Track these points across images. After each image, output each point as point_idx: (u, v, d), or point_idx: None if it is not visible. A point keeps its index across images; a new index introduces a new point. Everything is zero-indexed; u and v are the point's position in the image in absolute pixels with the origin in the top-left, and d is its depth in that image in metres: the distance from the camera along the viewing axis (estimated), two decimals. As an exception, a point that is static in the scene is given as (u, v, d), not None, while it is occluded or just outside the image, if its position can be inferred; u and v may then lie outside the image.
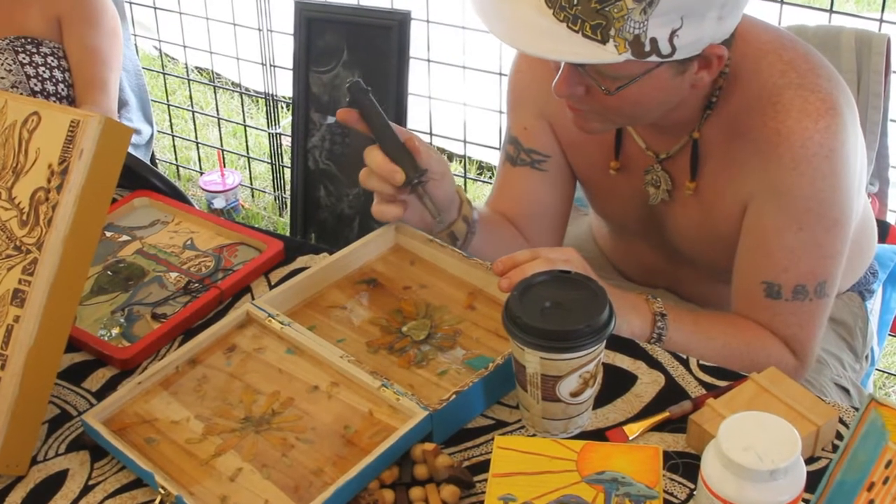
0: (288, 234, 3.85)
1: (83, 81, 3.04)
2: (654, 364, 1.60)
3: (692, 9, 1.50)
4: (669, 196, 1.85)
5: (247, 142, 4.37)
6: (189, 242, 1.92)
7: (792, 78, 1.67)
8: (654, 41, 1.51)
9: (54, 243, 1.42)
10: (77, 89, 3.05)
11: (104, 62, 3.07)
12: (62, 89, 3.01)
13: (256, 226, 2.70)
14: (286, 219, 4.13)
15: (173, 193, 2.08)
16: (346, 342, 1.62)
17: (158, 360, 1.67)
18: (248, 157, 4.36)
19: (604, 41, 1.51)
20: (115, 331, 1.72)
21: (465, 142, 3.68)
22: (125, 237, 1.94)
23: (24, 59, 2.98)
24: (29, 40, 3.00)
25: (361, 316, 1.67)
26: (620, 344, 1.62)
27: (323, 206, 3.64)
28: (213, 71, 4.49)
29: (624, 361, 1.61)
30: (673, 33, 1.51)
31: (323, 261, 1.75)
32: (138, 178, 2.07)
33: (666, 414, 1.50)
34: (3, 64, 2.96)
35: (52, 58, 3.01)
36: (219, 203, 4.13)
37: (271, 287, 1.80)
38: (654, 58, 1.53)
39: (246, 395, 1.54)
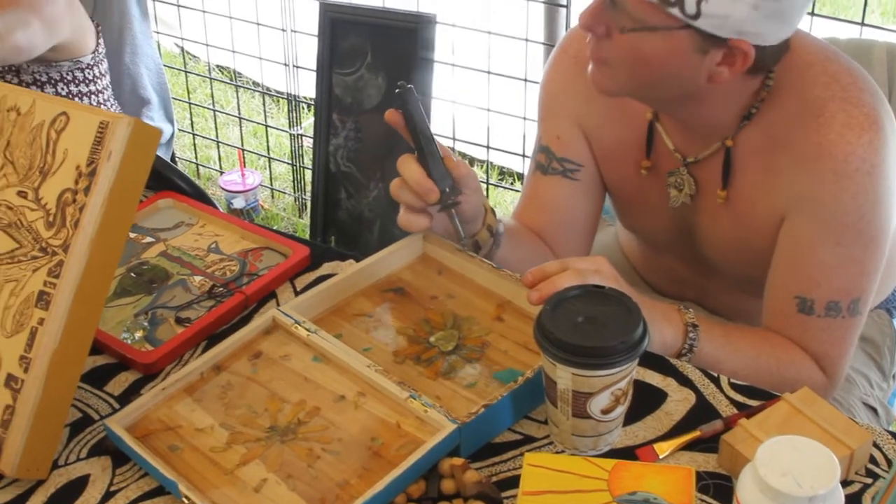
0: (307, 236, 3.83)
1: None
2: (685, 381, 1.58)
3: None
4: (692, 201, 1.83)
5: (268, 142, 4.35)
6: (214, 246, 1.90)
7: (835, 91, 1.65)
8: None
9: (81, 246, 1.41)
10: None
11: None
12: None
13: (276, 228, 2.68)
14: (306, 220, 4.11)
15: (197, 195, 2.06)
16: (373, 351, 1.60)
17: (182, 365, 1.65)
18: (269, 158, 4.34)
19: None
20: (139, 334, 1.70)
21: (487, 147, 3.66)
22: (149, 239, 1.93)
23: None
24: (7, 68, 2.87)
25: (388, 325, 1.66)
26: (650, 360, 1.60)
27: (343, 208, 3.62)
28: (234, 70, 4.48)
29: (654, 378, 1.59)
30: None
31: (350, 268, 1.73)
32: (162, 178, 2.05)
33: (697, 433, 1.48)
34: None
35: (34, 86, 2.89)
36: (238, 203, 4.11)
37: (297, 293, 1.78)
38: (676, 12, 1.53)
39: (271, 404, 1.52)
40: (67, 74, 2.96)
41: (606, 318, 1.40)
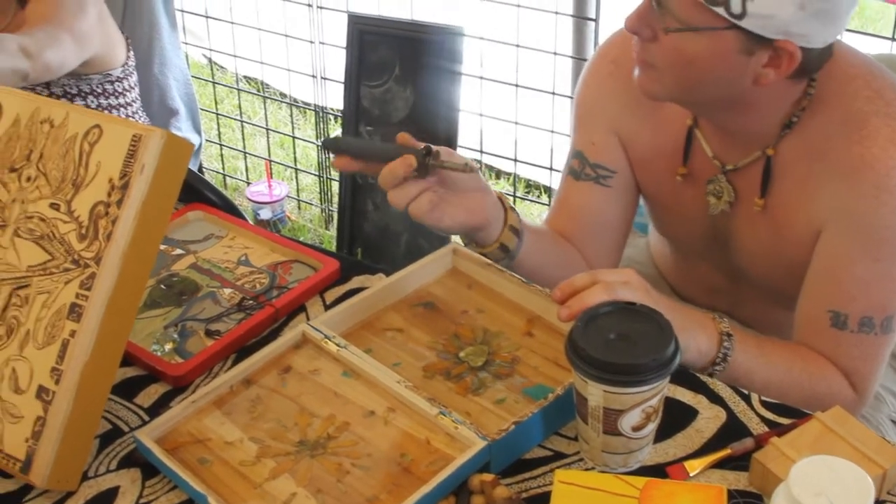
0: (334, 247, 3.83)
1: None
2: (716, 399, 1.57)
3: None
4: (730, 209, 1.82)
5: (294, 153, 4.36)
6: (243, 258, 1.90)
7: (879, 106, 1.65)
8: None
9: (113, 258, 1.41)
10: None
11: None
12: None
13: (302, 239, 2.68)
14: (332, 232, 4.11)
15: (227, 207, 2.07)
16: (402, 366, 1.60)
17: (211, 377, 1.66)
18: (296, 169, 4.35)
19: None
20: (168, 346, 1.71)
21: (515, 160, 3.66)
22: (179, 250, 1.93)
23: None
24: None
25: (418, 340, 1.65)
26: (681, 377, 1.60)
27: (370, 220, 3.62)
28: (262, 81, 4.48)
29: (685, 395, 1.58)
30: None
31: (379, 282, 1.73)
32: (192, 190, 2.06)
33: (727, 451, 1.47)
34: None
35: (64, 98, 2.91)
36: (265, 214, 4.12)
37: (326, 307, 1.78)
38: (722, 11, 1.52)
39: (301, 418, 1.52)
40: (97, 87, 2.97)
41: (638, 335, 1.40)
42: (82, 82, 2.91)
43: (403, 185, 1.64)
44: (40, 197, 1.48)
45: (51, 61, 2.73)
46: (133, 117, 3.11)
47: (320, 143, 1.69)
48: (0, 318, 1.48)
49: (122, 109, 3.06)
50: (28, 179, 1.50)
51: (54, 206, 1.47)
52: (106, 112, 2.97)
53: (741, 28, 1.54)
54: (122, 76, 3.03)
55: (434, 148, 1.65)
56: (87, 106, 2.93)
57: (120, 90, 3.03)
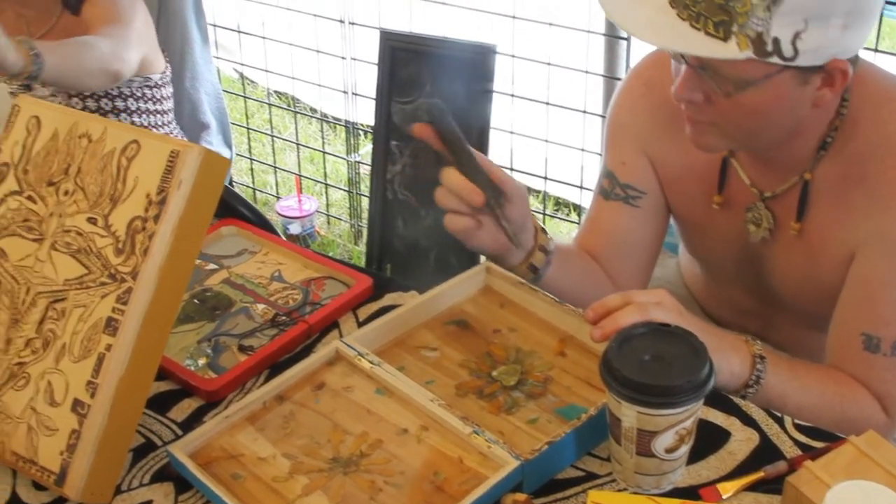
0: (363, 263, 3.84)
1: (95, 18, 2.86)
2: (749, 421, 1.57)
3: (817, 12, 1.48)
4: (770, 235, 1.82)
5: (325, 168, 4.37)
6: (276, 274, 1.91)
7: None
8: (776, 41, 1.49)
9: (150, 273, 1.42)
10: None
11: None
12: (105, 104, 2.96)
13: (331, 254, 2.68)
14: (361, 247, 4.12)
15: (260, 223, 2.08)
16: (435, 384, 1.60)
17: (244, 393, 1.66)
18: (326, 184, 4.36)
19: (726, 38, 1.50)
20: (202, 361, 1.71)
21: (545, 178, 3.66)
22: (212, 265, 1.94)
23: (76, 103, 2.85)
24: None
25: (451, 358, 1.65)
26: (714, 399, 1.59)
27: (399, 236, 3.62)
28: (292, 96, 4.50)
29: (717, 417, 1.58)
30: (796, 35, 1.49)
31: (413, 300, 1.74)
32: (226, 205, 2.07)
33: (760, 474, 1.47)
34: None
35: (105, 100, 2.88)
36: (295, 229, 4.13)
37: (359, 323, 1.79)
38: (775, 59, 1.51)
39: (334, 435, 1.52)
40: (137, 91, 3.00)
41: (673, 356, 1.40)
42: (124, 85, 2.94)
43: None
44: (78, 211, 1.49)
45: (134, 61, 2.78)
46: (168, 126, 3.13)
47: (426, 105, 1.66)
48: (36, 332, 1.48)
49: (158, 116, 3.08)
50: (66, 193, 1.51)
51: (91, 221, 1.48)
52: (144, 117, 2.99)
53: (794, 66, 1.54)
54: (160, 83, 3.05)
55: (506, 196, 1.67)
56: (127, 108, 2.95)
57: (157, 97, 3.06)
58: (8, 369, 1.50)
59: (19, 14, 2.86)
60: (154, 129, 3.06)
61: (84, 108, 2.88)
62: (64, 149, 1.53)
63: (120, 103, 2.95)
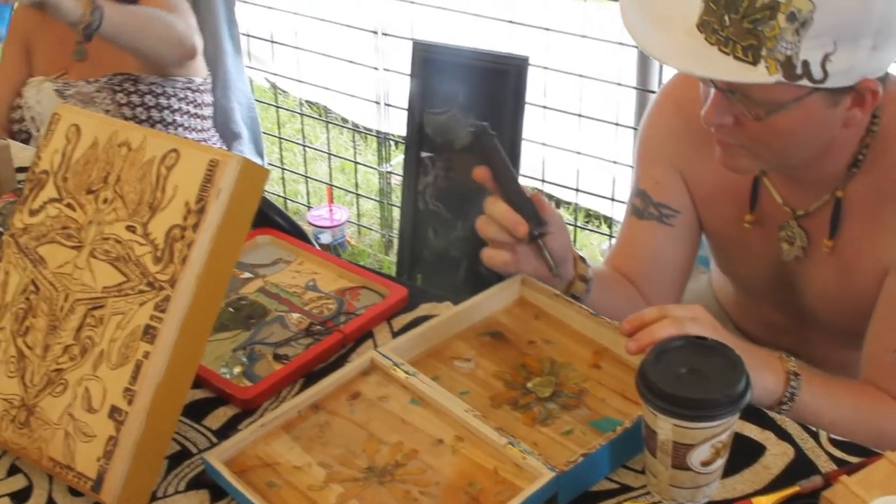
0: (394, 273, 3.84)
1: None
2: (784, 435, 1.57)
3: (846, 34, 1.48)
4: (803, 253, 1.82)
5: (356, 178, 4.38)
6: (311, 283, 1.92)
7: None
8: (805, 64, 1.49)
9: (188, 281, 1.42)
10: None
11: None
12: (160, 129, 3.00)
13: (362, 264, 2.68)
14: (392, 257, 4.13)
15: (295, 232, 2.08)
16: (470, 395, 1.60)
17: (279, 401, 1.66)
18: (357, 194, 4.37)
19: (755, 62, 1.50)
20: (237, 369, 1.72)
21: (576, 190, 3.66)
22: (247, 274, 1.95)
23: (121, 98, 2.97)
24: (126, 76, 3.00)
25: (485, 369, 1.66)
26: (749, 413, 1.59)
27: (430, 247, 3.63)
28: (324, 106, 4.51)
29: (752, 431, 1.57)
30: (826, 58, 1.49)
31: (448, 311, 1.74)
32: (261, 214, 2.06)
33: (796, 488, 1.46)
34: (101, 103, 2.96)
35: (150, 96, 2.99)
36: (326, 238, 4.14)
37: (394, 333, 1.79)
38: (805, 82, 1.51)
39: (369, 444, 1.52)
40: (180, 92, 3.04)
41: (709, 370, 1.40)
42: (168, 83, 2.99)
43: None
44: (117, 219, 1.50)
45: (200, 46, 2.87)
46: (208, 132, 3.17)
47: (473, 127, 1.68)
48: (74, 338, 1.49)
49: (198, 120, 3.12)
50: (105, 201, 1.52)
51: (130, 229, 1.48)
52: (185, 118, 3.03)
53: (824, 88, 1.54)
54: (202, 88, 3.10)
55: (547, 228, 1.69)
56: (170, 106, 2.99)
57: (199, 101, 3.11)
58: (46, 375, 1.51)
59: None
60: (194, 133, 3.10)
61: (128, 103, 2.93)
62: (103, 157, 1.54)
63: (164, 101, 2.99)
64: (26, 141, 3.02)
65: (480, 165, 1.69)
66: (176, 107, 3.04)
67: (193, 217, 1.43)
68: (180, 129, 3.07)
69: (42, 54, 3.08)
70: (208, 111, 3.20)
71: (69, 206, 1.55)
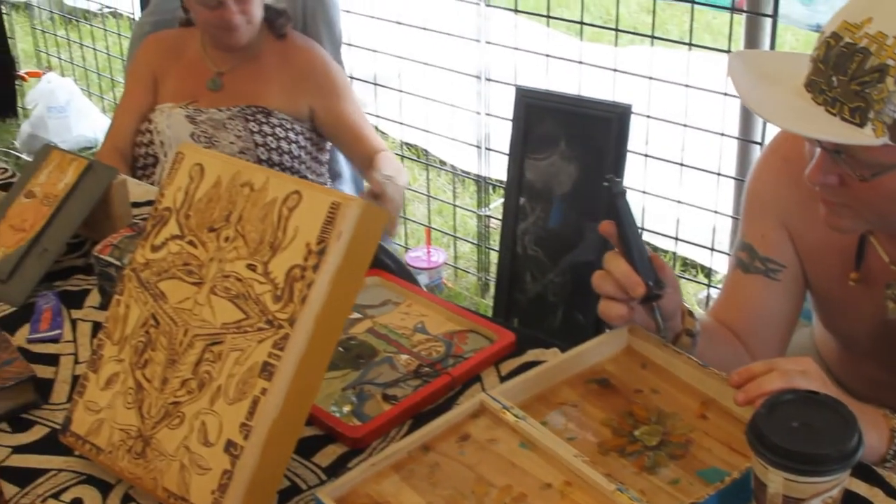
0: (490, 316, 3.86)
1: (357, 144, 3.20)
2: (892, 493, 1.56)
3: None
4: None
5: (454, 221, 4.41)
6: (420, 326, 1.94)
7: None
8: None
9: (307, 321, 1.45)
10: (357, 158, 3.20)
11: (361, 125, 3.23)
12: (287, 160, 3.08)
13: (463, 305, 2.70)
14: (488, 301, 4.15)
15: (403, 274, 2.11)
16: (577, 441, 1.61)
17: (387, 441, 1.69)
18: (455, 237, 4.40)
19: (861, 124, 1.50)
20: (347, 408, 1.75)
21: (676, 238, 3.66)
22: (357, 314, 1.98)
23: (253, 127, 3.06)
24: (260, 109, 3.09)
25: (593, 416, 1.67)
26: (857, 469, 1.58)
27: (527, 291, 3.64)
28: (423, 149, 4.55)
29: (860, 487, 1.57)
30: None
31: (556, 357, 1.76)
32: (370, 256, 2.11)
33: (904, 546, 1.46)
34: (233, 130, 3.05)
35: (280, 129, 3.09)
36: (423, 280, 4.17)
37: (501, 378, 1.81)
38: None
39: (478, 487, 1.54)
40: (306, 131, 3.13)
41: (822, 424, 1.40)
42: (297, 122, 3.09)
43: None
44: (238, 257, 1.54)
45: None
46: (324, 175, 3.26)
47: (606, 181, 1.70)
48: (192, 372, 1.53)
49: (316, 164, 3.21)
50: (226, 240, 1.56)
51: (251, 267, 1.52)
52: (306, 157, 3.13)
53: None
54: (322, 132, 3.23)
55: (664, 289, 1.71)
56: (294, 142, 3.09)
57: (320, 145, 3.20)
58: (163, 408, 1.54)
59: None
60: (312, 175, 3.19)
61: (259, 132, 3.05)
62: (226, 196, 1.58)
63: (293, 136, 3.11)
64: (153, 165, 3.11)
65: (607, 220, 1.70)
66: (302, 144, 3.13)
67: (314, 258, 1.46)
68: (303, 166, 3.15)
69: (170, 84, 3.20)
70: (325, 157, 3.29)
71: (191, 243, 1.59)
